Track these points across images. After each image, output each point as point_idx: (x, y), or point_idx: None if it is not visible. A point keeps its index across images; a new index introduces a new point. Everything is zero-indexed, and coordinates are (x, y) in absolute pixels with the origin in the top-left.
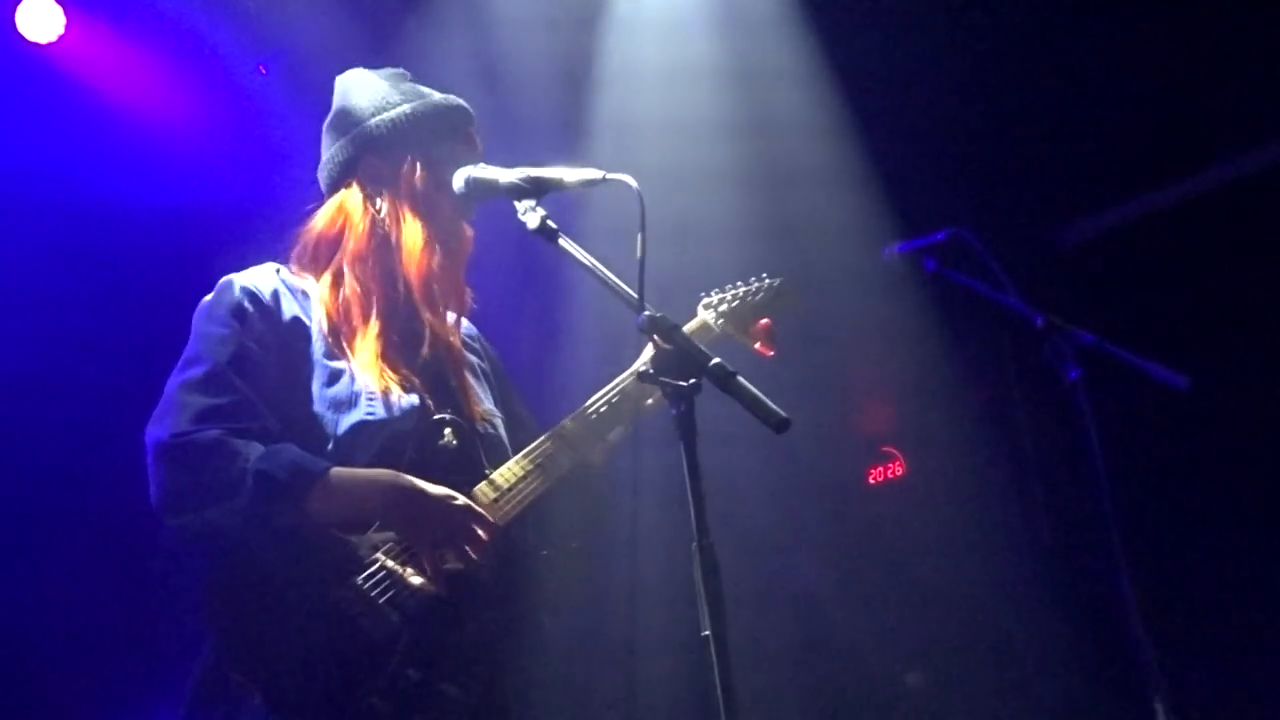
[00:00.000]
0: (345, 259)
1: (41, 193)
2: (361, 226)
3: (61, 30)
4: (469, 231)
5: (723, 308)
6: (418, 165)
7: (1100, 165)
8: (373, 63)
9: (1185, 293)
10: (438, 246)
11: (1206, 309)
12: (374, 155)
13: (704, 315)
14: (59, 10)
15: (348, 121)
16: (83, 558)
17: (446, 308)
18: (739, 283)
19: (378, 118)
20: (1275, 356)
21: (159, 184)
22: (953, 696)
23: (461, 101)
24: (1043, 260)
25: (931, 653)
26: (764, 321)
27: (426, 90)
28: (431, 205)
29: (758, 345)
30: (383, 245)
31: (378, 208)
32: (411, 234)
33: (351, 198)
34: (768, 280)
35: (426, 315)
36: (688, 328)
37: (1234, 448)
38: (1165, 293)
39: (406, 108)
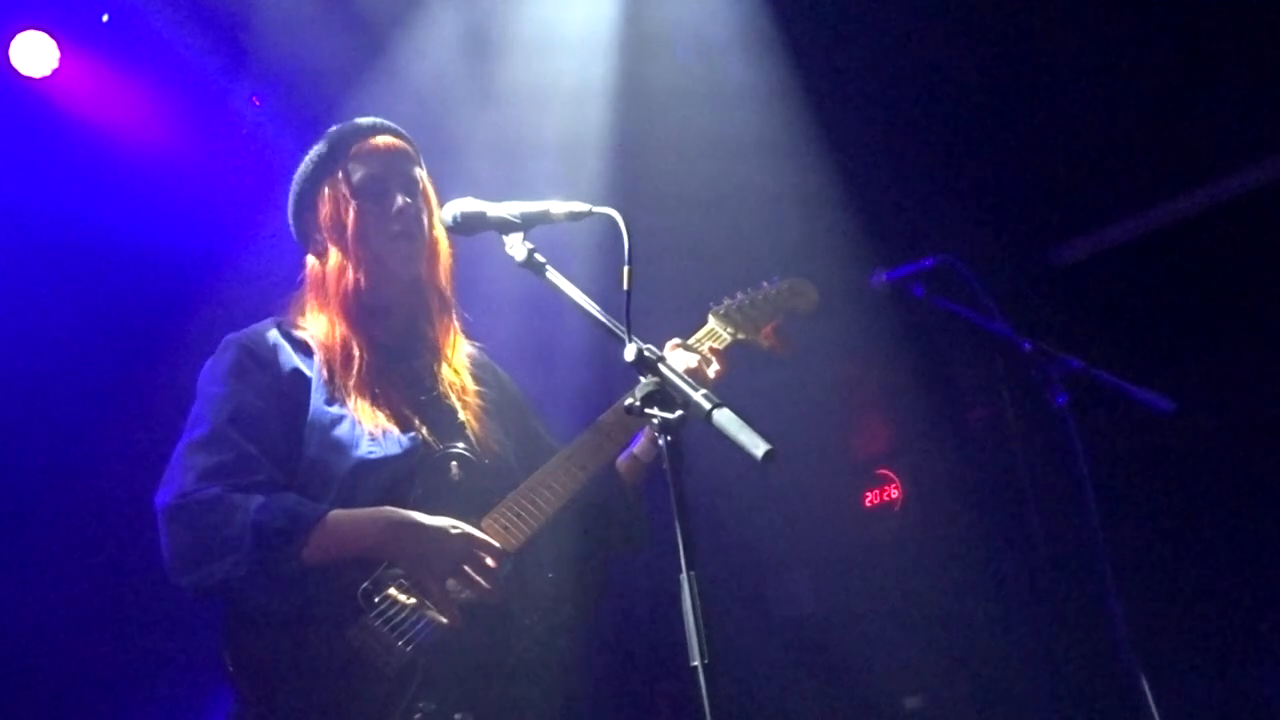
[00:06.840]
0: (328, 310)
1: (35, 227)
2: (323, 277)
3: (55, 64)
4: (406, 248)
5: (731, 313)
6: (327, 198)
7: (1094, 184)
8: (365, 88)
9: (1178, 311)
10: (352, 268)
11: (1199, 327)
12: (306, 211)
13: (713, 321)
14: (53, 44)
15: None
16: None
17: (416, 331)
18: (748, 288)
19: (295, 179)
20: (1266, 372)
21: (153, 217)
22: (951, 719)
23: (363, 120)
24: (1036, 279)
25: (930, 675)
26: (773, 323)
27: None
28: (343, 229)
29: (769, 346)
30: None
31: (322, 252)
32: (332, 263)
33: (310, 258)
34: (779, 282)
35: (356, 339)
36: (697, 335)
37: (1224, 466)
38: (1159, 311)
39: (310, 156)
